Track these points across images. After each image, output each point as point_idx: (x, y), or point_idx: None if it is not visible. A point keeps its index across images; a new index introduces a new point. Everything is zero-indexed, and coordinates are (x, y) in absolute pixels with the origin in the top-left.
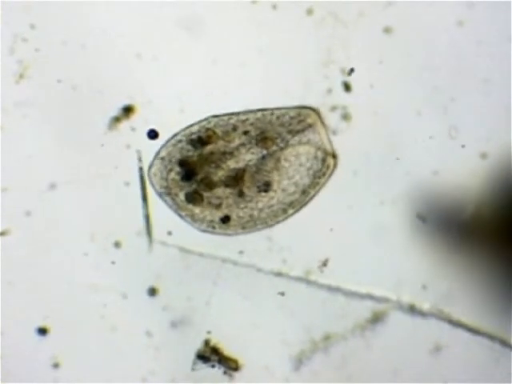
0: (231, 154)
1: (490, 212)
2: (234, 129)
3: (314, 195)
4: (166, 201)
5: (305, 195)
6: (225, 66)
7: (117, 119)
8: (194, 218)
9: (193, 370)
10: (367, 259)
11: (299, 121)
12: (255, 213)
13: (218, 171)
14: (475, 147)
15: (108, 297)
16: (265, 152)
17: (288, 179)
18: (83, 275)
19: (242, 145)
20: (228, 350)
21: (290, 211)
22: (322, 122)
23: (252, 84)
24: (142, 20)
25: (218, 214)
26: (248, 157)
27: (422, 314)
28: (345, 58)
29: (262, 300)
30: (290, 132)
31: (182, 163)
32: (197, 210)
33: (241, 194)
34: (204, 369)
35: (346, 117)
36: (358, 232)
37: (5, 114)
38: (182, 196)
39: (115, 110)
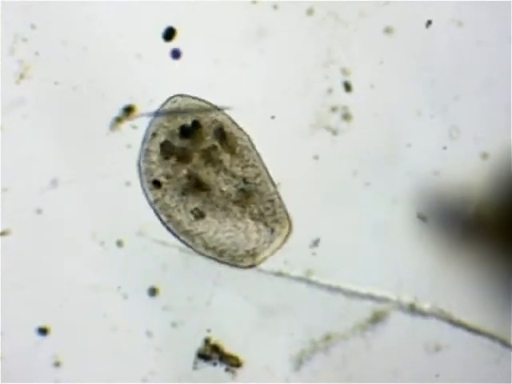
0: (221, 167)
1: (490, 212)
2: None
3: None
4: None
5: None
6: (225, 65)
7: (119, 119)
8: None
9: (194, 368)
10: (367, 259)
11: (275, 218)
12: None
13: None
14: (476, 147)
15: (108, 297)
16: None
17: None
18: (83, 275)
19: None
20: (228, 350)
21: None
22: (282, 241)
23: (252, 84)
24: (142, 20)
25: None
26: (224, 185)
27: (422, 313)
28: (345, 58)
29: (262, 300)
30: (261, 214)
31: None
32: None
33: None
34: (206, 367)
35: (346, 117)
36: (359, 232)
37: (5, 114)
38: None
39: (115, 110)
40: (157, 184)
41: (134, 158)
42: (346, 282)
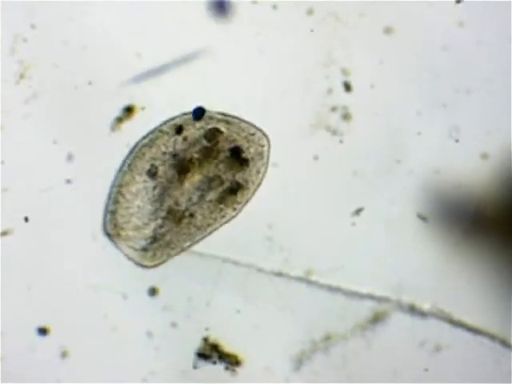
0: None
1: (490, 212)
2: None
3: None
4: None
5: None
6: (225, 66)
7: (120, 119)
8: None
9: (194, 368)
10: (367, 259)
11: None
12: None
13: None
14: (476, 147)
15: (108, 297)
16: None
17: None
18: (83, 275)
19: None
20: (228, 350)
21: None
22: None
23: (252, 84)
24: (142, 20)
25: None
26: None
27: (423, 313)
28: (345, 58)
29: (262, 300)
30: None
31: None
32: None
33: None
34: (206, 366)
35: (346, 117)
36: (359, 232)
37: (5, 113)
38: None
39: (115, 110)
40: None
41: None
42: (345, 282)
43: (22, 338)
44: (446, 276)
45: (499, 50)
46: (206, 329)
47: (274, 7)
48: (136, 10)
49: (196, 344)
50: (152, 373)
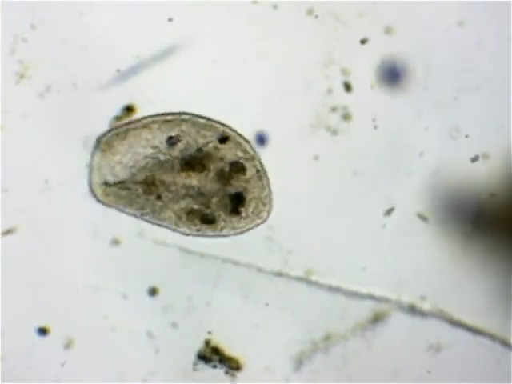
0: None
1: (490, 212)
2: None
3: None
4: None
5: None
6: (225, 66)
7: (118, 118)
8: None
9: (194, 370)
10: (368, 259)
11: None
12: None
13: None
14: (476, 147)
15: (108, 297)
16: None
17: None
18: (83, 275)
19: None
20: (228, 351)
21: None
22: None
23: (252, 84)
24: (142, 20)
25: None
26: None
27: (423, 313)
28: (345, 58)
29: (262, 300)
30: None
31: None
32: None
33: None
34: (206, 369)
35: (346, 117)
36: (359, 232)
37: (5, 113)
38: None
39: (115, 110)
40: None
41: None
42: (346, 282)
43: (21, 338)
44: (446, 276)
45: (499, 50)
46: (209, 332)
47: (274, 7)
48: (136, 10)
49: (196, 344)
50: (152, 373)
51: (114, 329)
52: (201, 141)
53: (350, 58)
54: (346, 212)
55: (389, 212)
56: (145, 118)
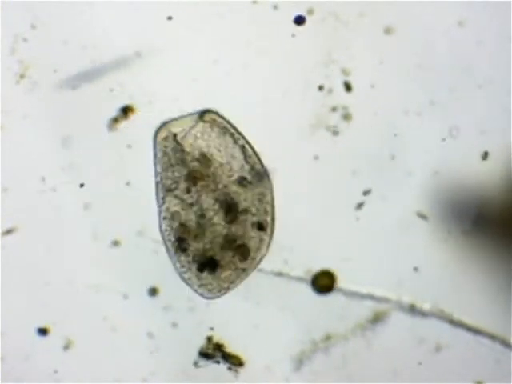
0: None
1: (490, 212)
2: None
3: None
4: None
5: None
6: (225, 66)
7: (117, 119)
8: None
9: (197, 366)
10: (368, 259)
11: (167, 146)
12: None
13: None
14: (476, 147)
15: (108, 297)
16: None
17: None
18: (84, 275)
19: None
20: (230, 350)
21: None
22: (170, 124)
23: (252, 84)
24: (142, 20)
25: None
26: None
27: (423, 313)
28: (345, 58)
29: (262, 300)
30: (182, 155)
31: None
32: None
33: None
34: (207, 365)
35: (346, 117)
36: (359, 232)
37: (5, 113)
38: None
39: (115, 110)
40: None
41: (134, 158)
42: (346, 282)
43: (21, 338)
44: (446, 276)
45: (499, 50)
46: (211, 328)
47: (274, 7)
48: (136, 9)
49: (196, 344)
50: (152, 373)
51: (114, 329)
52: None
53: (350, 58)
54: (346, 212)
55: (366, 193)
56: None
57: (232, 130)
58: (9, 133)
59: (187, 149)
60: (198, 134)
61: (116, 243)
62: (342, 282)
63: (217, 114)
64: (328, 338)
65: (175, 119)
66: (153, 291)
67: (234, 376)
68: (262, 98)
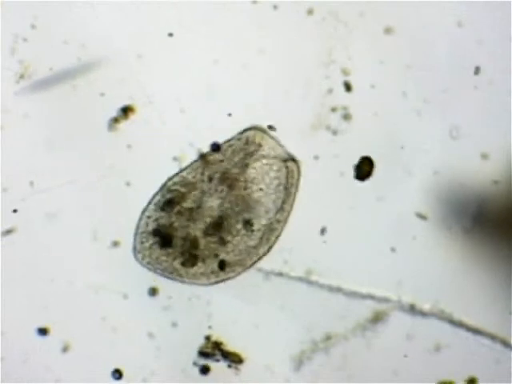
0: (199, 206)
1: (490, 212)
2: (193, 183)
3: (291, 207)
4: (164, 274)
5: (283, 211)
6: (225, 66)
7: (117, 119)
8: (196, 277)
9: (194, 365)
10: (368, 259)
11: (247, 145)
12: (245, 248)
13: (196, 226)
14: (476, 147)
15: (108, 297)
16: (231, 190)
17: (263, 206)
18: (84, 275)
19: (205, 193)
20: (230, 348)
21: (275, 233)
22: (269, 135)
23: (253, 84)
24: (143, 20)
25: (213, 264)
26: (216, 202)
27: (423, 313)
28: (345, 58)
29: (262, 300)
30: (244, 159)
31: (156, 232)
32: (196, 269)
33: (223, 242)
34: (209, 363)
35: (346, 117)
36: (359, 232)
37: (5, 113)
38: (177, 264)
39: (116, 110)
40: (223, 264)
41: (133, 158)
42: (346, 282)
43: (22, 338)
44: (446, 276)
45: (499, 50)
46: (209, 327)
47: (274, 7)
48: (136, 10)
49: (196, 344)
50: (152, 373)
51: (114, 329)
52: None
53: (350, 58)
54: (347, 212)
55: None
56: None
57: (290, 190)
58: (9, 133)
59: (250, 162)
60: (267, 165)
61: (116, 243)
62: (342, 282)
63: (298, 171)
64: (328, 337)
65: (273, 137)
66: (152, 291)
67: (235, 373)
68: (261, 98)
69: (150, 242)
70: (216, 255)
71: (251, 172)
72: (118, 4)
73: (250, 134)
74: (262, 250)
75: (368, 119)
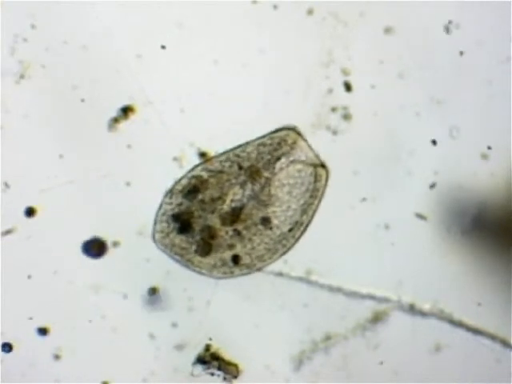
0: (224, 195)
1: (490, 212)
2: (221, 171)
3: (314, 211)
4: (177, 260)
5: (305, 214)
6: (225, 66)
7: (117, 119)
8: (208, 269)
9: (192, 375)
10: (368, 259)
11: (280, 144)
12: (261, 247)
13: (215, 215)
14: (476, 147)
15: (108, 297)
16: (256, 186)
17: (285, 206)
18: (83, 275)
19: (232, 183)
20: (229, 351)
21: (294, 235)
22: (303, 138)
23: (253, 84)
24: (143, 20)
25: (229, 255)
26: (238, 194)
27: (423, 313)
28: (345, 58)
29: (262, 300)
30: (275, 158)
31: (176, 217)
32: (209, 260)
33: (238, 234)
34: (203, 375)
35: (346, 117)
36: (359, 232)
37: (5, 113)
38: (191, 252)
39: (115, 110)
40: (237, 259)
41: (133, 158)
42: (346, 282)
43: (21, 338)
44: (446, 276)
45: (499, 50)
46: (210, 338)
47: (275, 7)
48: (136, 10)
49: (196, 344)
50: (152, 373)
51: (114, 329)
52: None
53: (350, 58)
54: (347, 212)
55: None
56: None
57: (316, 194)
58: (9, 133)
59: (280, 163)
60: (296, 168)
61: (116, 243)
62: (342, 282)
63: (326, 177)
64: (328, 337)
65: (306, 140)
66: (153, 291)
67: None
68: (261, 98)
69: (170, 226)
70: (231, 247)
71: (280, 172)
72: (118, 4)
73: (284, 134)
74: (281, 250)
75: (368, 119)
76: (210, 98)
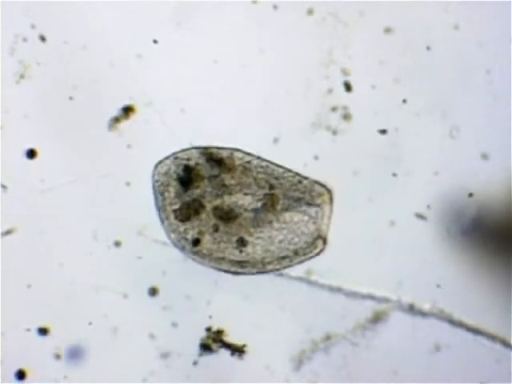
0: (235, 191)
1: (490, 212)
2: (250, 169)
3: (286, 266)
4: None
5: (283, 261)
6: (225, 66)
7: (117, 119)
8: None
9: (199, 356)
10: (368, 259)
11: (312, 194)
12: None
13: (212, 199)
14: (476, 147)
15: (108, 297)
16: (263, 207)
17: (268, 241)
18: (84, 275)
19: (248, 186)
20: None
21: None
22: (331, 206)
23: (253, 84)
24: (143, 20)
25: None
26: (246, 201)
27: (423, 313)
28: (345, 58)
29: (262, 300)
30: (297, 200)
31: (187, 169)
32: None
33: (216, 229)
34: (210, 361)
35: (346, 117)
36: (359, 232)
37: (5, 113)
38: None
39: (116, 110)
40: (197, 242)
41: (133, 158)
42: (346, 282)
43: (22, 338)
44: (446, 276)
45: (499, 50)
46: (210, 316)
47: (275, 7)
48: (136, 10)
49: (196, 343)
50: (152, 373)
51: (114, 329)
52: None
53: (350, 58)
54: (347, 212)
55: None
56: None
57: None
58: (9, 133)
59: (294, 208)
60: (304, 225)
61: (116, 243)
62: (342, 282)
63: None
64: (328, 337)
65: (331, 209)
66: (153, 291)
67: (239, 360)
68: (261, 98)
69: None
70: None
71: (287, 215)
72: (118, 4)
73: (319, 189)
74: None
75: (368, 119)
76: (209, 98)
